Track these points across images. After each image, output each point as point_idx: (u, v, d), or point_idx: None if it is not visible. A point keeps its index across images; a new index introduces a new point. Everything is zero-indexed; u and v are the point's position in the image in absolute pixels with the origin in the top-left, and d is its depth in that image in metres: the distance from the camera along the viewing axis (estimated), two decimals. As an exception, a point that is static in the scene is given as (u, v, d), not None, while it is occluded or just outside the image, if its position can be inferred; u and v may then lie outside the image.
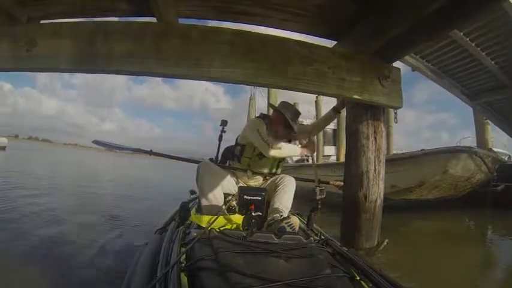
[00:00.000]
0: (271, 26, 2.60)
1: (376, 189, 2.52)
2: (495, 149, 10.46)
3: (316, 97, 8.93)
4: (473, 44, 3.78)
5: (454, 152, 4.65)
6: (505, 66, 4.24)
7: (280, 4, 2.29)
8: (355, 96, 2.40)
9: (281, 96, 8.75)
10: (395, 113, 2.93)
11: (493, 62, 4.17)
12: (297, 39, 2.35)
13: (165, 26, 2.17)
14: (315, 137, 2.19)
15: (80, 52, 2.11)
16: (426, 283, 1.95)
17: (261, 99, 12.02)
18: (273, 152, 1.72)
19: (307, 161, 8.37)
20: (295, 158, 8.43)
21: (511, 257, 3.00)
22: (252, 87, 13.24)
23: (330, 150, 9.08)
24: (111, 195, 5.63)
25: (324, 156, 8.80)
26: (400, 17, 2.07)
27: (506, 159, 11.02)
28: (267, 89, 9.37)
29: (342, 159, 7.67)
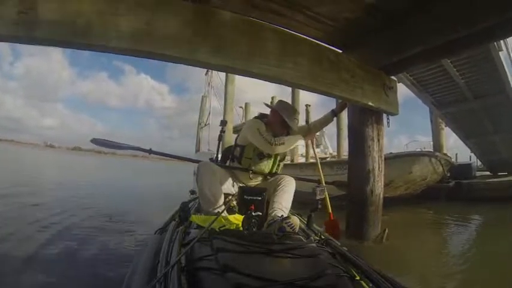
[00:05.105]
0: (290, 29, 2.63)
1: (380, 184, 2.89)
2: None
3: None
4: (450, 63, 4.42)
5: (419, 155, 5.46)
6: (469, 83, 5.01)
7: (304, 6, 2.28)
8: (370, 103, 2.66)
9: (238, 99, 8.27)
10: (388, 119, 3.27)
11: (462, 81, 4.91)
12: (325, 44, 2.51)
13: (205, 10, 1.91)
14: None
15: (97, 21, 1.56)
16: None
17: (214, 99, 12.10)
18: (278, 149, 1.72)
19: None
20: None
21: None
22: (207, 86, 12.79)
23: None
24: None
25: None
26: (418, 40, 2.32)
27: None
28: (223, 89, 9.01)
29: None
